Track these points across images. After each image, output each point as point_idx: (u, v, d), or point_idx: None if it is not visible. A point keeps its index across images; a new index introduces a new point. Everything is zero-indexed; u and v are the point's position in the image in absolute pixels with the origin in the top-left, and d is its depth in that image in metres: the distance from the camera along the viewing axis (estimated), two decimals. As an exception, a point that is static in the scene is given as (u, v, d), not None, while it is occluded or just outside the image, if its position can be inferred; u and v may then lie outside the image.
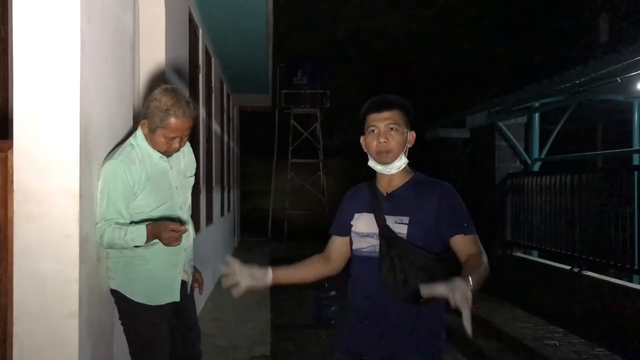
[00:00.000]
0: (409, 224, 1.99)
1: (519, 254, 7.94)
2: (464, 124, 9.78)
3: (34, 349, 2.29)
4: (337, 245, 2.19)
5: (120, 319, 2.66)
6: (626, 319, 5.30)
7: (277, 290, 7.67)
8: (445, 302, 1.75)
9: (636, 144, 7.43)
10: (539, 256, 7.55)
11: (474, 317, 1.71)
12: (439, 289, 1.70)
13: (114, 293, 2.63)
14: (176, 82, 4.48)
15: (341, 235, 2.18)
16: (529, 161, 8.26)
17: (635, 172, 5.67)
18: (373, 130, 2.03)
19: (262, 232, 14.93)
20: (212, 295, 6.89)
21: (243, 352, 4.70)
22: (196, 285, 2.87)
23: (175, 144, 2.55)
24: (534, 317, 6.53)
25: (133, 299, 2.59)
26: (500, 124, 8.35)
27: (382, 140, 2.01)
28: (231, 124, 11.43)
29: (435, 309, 2.02)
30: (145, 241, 2.42)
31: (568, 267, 6.48)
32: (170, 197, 2.64)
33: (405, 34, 16.94)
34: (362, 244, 2.06)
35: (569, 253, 6.55)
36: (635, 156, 7.26)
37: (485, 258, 1.93)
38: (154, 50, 4.07)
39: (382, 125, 2.02)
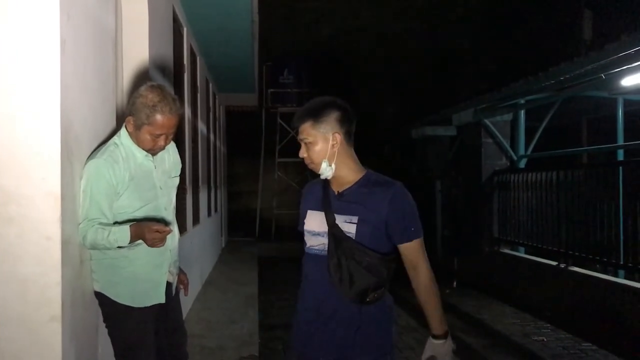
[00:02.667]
0: (358, 224, 2.01)
1: (506, 251, 7.98)
2: (451, 121, 9.81)
3: (16, 355, 2.23)
4: None
5: (104, 321, 2.62)
6: (613, 314, 5.34)
7: (265, 290, 7.66)
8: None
9: (620, 140, 7.50)
10: (526, 252, 7.59)
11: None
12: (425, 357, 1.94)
13: (98, 295, 2.58)
14: (161, 81, 4.42)
15: None
16: (515, 158, 8.30)
17: (620, 168, 5.72)
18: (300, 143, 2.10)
19: (250, 232, 14.87)
20: (199, 295, 6.84)
21: (231, 353, 4.66)
22: (181, 286, 2.84)
23: (161, 142, 2.51)
24: (522, 313, 6.56)
25: (117, 301, 2.54)
26: (487, 121, 8.39)
27: (302, 155, 2.08)
28: (217, 123, 11.36)
29: (382, 307, 2.08)
30: (128, 242, 2.38)
31: (555, 263, 6.52)
32: (154, 197, 2.60)
33: (391, 32, 16.95)
34: (313, 242, 2.08)
35: (555, 249, 6.59)
36: (620, 152, 7.33)
37: (427, 267, 2.05)
38: (138, 49, 4.01)
39: (299, 140, 2.08)
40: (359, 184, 2.08)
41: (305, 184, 2.31)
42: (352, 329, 2.03)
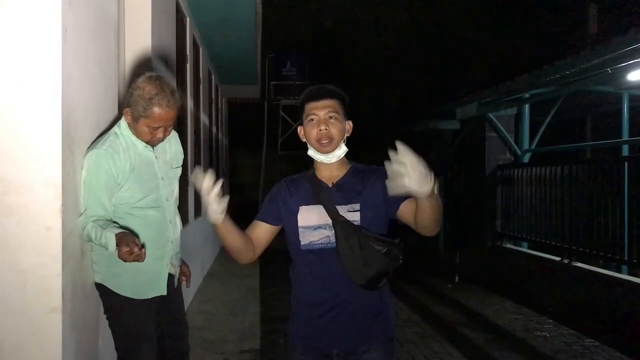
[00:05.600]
0: (361, 210, 2.00)
1: (509, 246, 7.95)
2: (454, 115, 9.75)
3: (15, 346, 2.21)
4: (260, 232, 2.08)
5: (105, 313, 2.60)
6: (616, 310, 5.32)
7: (267, 283, 7.64)
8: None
9: (625, 135, 7.44)
10: (529, 247, 7.56)
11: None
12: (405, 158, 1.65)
13: (99, 287, 2.56)
14: (163, 71, 4.38)
15: (270, 223, 2.09)
16: (519, 152, 8.25)
17: (625, 163, 5.67)
18: (312, 119, 2.01)
19: (252, 225, 14.82)
20: (200, 288, 6.83)
21: (232, 345, 4.65)
22: (183, 278, 2.81)
23: (159, 134, 2.48)
24: (524, 309, 6.54)
25: (118, 292, 2.52)
26: (491, 115, 8.33)
27: (322, 127, 1.99)
28: (219, 115, 11.32)
29: (389, 292, 2.12)
30: (114, 249, 2.27)
31: (558, 259, 6.48)
32: (155, 188, 2.56)
33: (395, 25, 16.87)
34: (314, 237, 2.02)
35: (558, 244, 6.55)
36: (625, 147, 7.28)
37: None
38: (140, 38, 3.97)
39: (322, 114, 2.00)
40: (349, 174, 2.08)
41: (281, 180, 2.19)
42: (371, 316, 2.04)
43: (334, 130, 2.00)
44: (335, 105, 2.01)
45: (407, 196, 1.93)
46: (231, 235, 1.99)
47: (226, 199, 1.89)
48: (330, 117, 2.00)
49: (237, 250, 2.03)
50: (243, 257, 2.06)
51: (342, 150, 2.05)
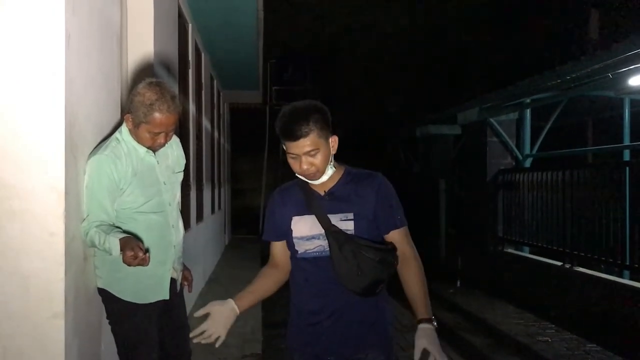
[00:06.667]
0: (355, 220, 1.99)
1: (510, 250, 7.95)
2: (455, 120, 9.77)
3: (18, 351, 2.22)
4: (281, 250, 2.13)
5: (107, 318, 2.60)
6: (617, 315, 5.31)
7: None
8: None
9: (627, 140, 7.45)
10: (531, 252, 7.56)
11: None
12: (422, 346, 1.88)
13: (101, 292, 2.57)
14: (165, 77, 4.41)
15: (279, 240, 2.12)
16: (520, 157, 8.26)
17: (626, 168, 5.68)
18: (293, 157, 1.95)
19: (253, 230, 14.84)
20: (202, 292, 6.83)
21: (234, 350, 4.65)
22: (185, 283, 2.82)
23: (160, 139, 2.49)
24: (526, 314, 6.53)
25: (121, 297, 2.53)
26: (492, 120, 8.35)
27: (305, 167, 1.93)
28: (221, 120, 11.36)
29: (387, 298, 2.12)
30: (118, 254, 2.30)
31: (560, 263, 6.48)
32: (157, 193, 2.58)
33: (396, 30, 16.89)
34: (309, 246, 2.02)
35: (560, 249, 6.55)
36: (626, 152, 7.28)
37: (416, 255, 2.05)
38: (142, 44, 3.99)
39: (301, 153, 1.92)
40: (343, 180, 2.05)
41: (274, 190, 2.20)
42: (367, 324, 2.03)
43: (317, 162, 1.93)
44: (313, 140, 1.89)
45: (395, 226, 2.03)
46: (259, 297, 2.14)
47: (222, 328, 2.08)
48: (311, 155, 1.92)
49: (272, 292, 2.15)
50: (279, 284, 2.16)
51: (330, 171, 1.99)
